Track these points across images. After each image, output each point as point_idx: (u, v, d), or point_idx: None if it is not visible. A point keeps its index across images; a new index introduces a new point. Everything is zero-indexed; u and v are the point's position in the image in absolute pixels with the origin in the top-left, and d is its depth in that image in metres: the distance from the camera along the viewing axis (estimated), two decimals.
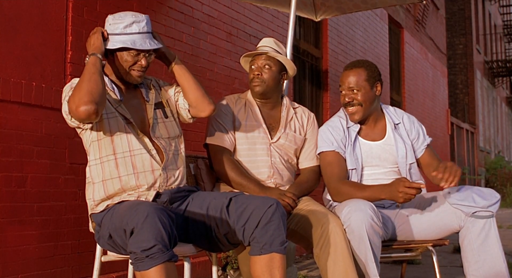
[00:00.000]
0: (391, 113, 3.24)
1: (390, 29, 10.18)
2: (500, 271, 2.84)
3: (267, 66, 3.13)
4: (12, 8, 3.24)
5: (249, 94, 3.22)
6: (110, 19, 2.66)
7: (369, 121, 3.17)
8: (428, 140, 3.22)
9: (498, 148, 26.11)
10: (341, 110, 3.26)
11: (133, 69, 2.65)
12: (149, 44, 2.62)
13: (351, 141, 3.10)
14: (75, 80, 2.58)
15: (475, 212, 2.85)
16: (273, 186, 3.06)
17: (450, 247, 6.34)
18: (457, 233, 2.96)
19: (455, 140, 17.16)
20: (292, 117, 3.22)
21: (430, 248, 3.02)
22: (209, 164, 3.12)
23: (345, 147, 3.09)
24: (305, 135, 3.23)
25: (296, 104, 3.32)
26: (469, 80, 20.65)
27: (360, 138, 3.14)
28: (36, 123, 3.33)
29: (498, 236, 2.87)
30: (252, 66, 3.17)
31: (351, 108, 3.10)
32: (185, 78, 2.80)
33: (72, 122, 2.51)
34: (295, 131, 3.19)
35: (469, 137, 19.66)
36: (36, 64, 3.36)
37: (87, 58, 2.58)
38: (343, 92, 3.13)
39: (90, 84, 2.44)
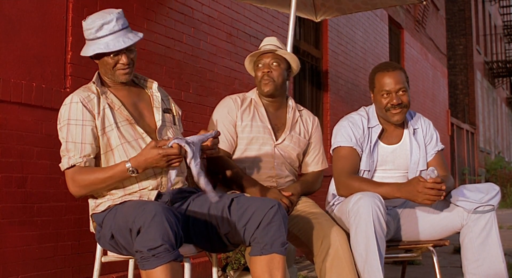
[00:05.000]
0: (411, 118, 3.18)
1: (390, 29, 10.18)
2: (499, 270, 2.85)
3: (275, 64, 3.04)
4: (12, 9, 3.24)
5: (254, 93, 3.14)
6: (84, 24, 2.61)
7: (392, 124, 3.10)
8: (440, 146, 3.17)
9: (498, 149, 26.11)
10: (362, 109, 3.16)
11: (118, 69, 2.60)
12: (123, 42, 2.54)
13: (371, 142, 3.04)
14: (71, 102, 2.55)
15: (477, 207, 2.85)
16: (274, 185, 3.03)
17: (450, 248, 6.34)
18: (459, 232, 2.96)
19: (455, 141, 17.16)
20: (297, 119, 3.16)
21: (431, 248, 3.02)
22: (207, 166, 3.07)
23: (362, 146, 3.02)
24: (309, 140, 3.17)
25: (301, 107, 3.25)
26: (469, 80, 20.65)
27: (379, 141, 3.08)
28: (36, 124, 3.32)
29: (499, 236, 2.88)
30: (259, 65, 3.07)
31: (398, 110, 2.98)
32: None
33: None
34: (299, 134, 3.13)
35: (469, 138, 19.66)
36: (36, 64, 3.36)
37: (128, 166, 2.45)
38: (392, 94, 2.97)
39: (101, 186, 2.51)
